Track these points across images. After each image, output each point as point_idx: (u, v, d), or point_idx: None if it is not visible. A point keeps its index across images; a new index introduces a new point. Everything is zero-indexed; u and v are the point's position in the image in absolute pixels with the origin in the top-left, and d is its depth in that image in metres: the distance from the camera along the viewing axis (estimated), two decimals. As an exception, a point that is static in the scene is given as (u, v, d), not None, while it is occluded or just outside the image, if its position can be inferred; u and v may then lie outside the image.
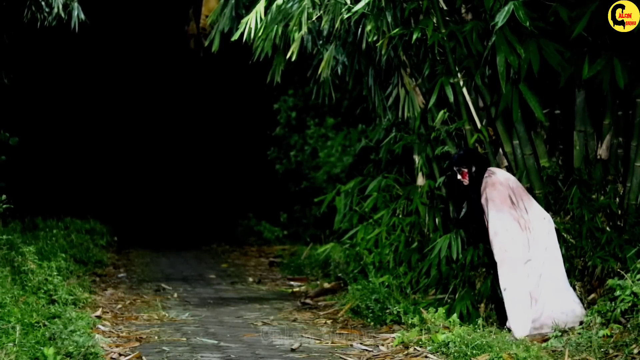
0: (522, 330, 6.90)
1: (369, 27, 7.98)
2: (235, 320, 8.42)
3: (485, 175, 7.23)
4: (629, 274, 6.86)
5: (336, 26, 8.13)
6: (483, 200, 7.16)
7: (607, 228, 7.66)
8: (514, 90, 7.55)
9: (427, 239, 8.81)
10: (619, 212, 7.70)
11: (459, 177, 7.33)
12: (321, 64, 8.75)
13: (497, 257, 7.06)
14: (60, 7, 9.56)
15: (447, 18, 8.09)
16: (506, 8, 7.06)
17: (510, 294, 6.99)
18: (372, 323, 7.98)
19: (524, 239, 7.05)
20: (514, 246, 7.02)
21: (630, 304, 6.61)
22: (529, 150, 8.00)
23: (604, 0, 7.03)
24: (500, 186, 7.16)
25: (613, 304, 6.73)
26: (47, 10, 9.63)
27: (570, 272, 7.56)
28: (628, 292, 6.66)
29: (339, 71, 9.27)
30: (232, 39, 8.73)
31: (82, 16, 9.82)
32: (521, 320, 6.95)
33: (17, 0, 9.86)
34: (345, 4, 7.86)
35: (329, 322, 8.26)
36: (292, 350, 6.82)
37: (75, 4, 9.78)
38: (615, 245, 7.43)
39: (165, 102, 19.04)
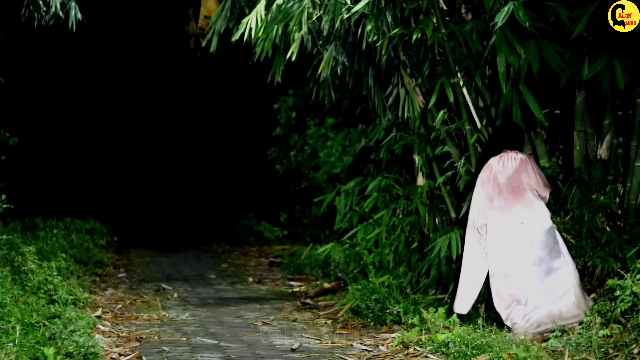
0: (458, 305, 7.27)
1: (369, 27, 7.98)
2: (235, 320, 8.42)
3: (498, 155, 7.38)
4: (629, 274, 6.87)
5: (336, 26, 8.13)
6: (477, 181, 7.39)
7: (607, 228, 7.65)
8: (514, 90, 7.55)
9: (427, 239, 8.81)
10: (619, 212, 7.70)
11: None
12: (321, 64, 8.75)
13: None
14: (58, 6, 9.53)
15: (447, 18, 8.10)
16: (506, 8, 7.05)
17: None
18: (372, 323, 7.98)
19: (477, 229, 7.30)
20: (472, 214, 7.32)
21: (630, 304, 6.61)
22: (529, 150, 8.00)
23: (604, 0, 7.03)
24: (487, 169, 7.35)
25: (613, 304, 6.73)
26: (44, 9, 9.60)
27: (570, 272, 7.57)
28: (628, 292, 6.66)
29: (339, 71, 9.27)
30: (233, 39, 8.73)
31: (80, 16, 9.78)
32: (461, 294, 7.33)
33: None
34: (345, 4, 7.86)
35: (329, 322, 8.26)
36: (292, 350, 6.82)
37: (73, 4, 9.74)
38: (615, 245, 7.43)
39: (165, 102, 19.05)
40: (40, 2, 9.55)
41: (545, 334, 6.94)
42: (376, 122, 10.42)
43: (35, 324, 6.53)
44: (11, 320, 6.38)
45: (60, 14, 9.60)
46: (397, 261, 8.88)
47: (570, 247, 7.65)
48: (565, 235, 7.72)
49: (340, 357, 6.60)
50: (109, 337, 7.16)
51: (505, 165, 7.32)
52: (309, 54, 9.49)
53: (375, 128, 10.57)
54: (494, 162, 7.36)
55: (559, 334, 6.74)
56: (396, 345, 6.88)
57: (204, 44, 9.71)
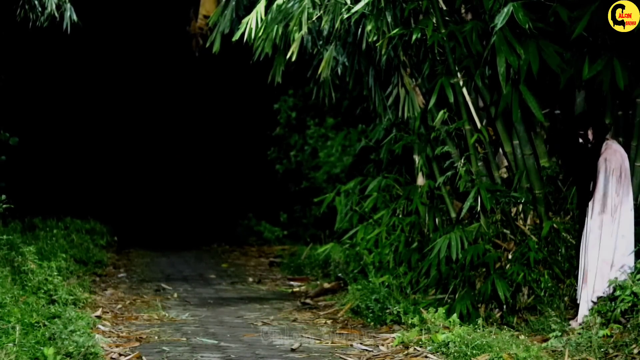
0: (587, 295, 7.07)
1: (369, 27, 7.98)
2: (235, 320, 8.42)
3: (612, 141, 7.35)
4: (629, 274, 6.87)
5: (336, 26, 8.13)
6: (600, 161, 7.23)
7: (608, 228, 7.65)
8: (514, 90, 7.55)
9: (427, 239, 8.81)
10: (619, 212, 7.69)
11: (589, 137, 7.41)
12: (321, 64, 8.74)
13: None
14: (54, 7, 9.48)
15: (447, 18, 8.09)
16: (506, 9, 7.05)
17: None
18: (372, 323, 7.98)
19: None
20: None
21: (630, 304, 6.62)
22: (529, 150, 8.00)
23: (604, 1, 7.03)
24: (617, 153, 7.25)
25: (613, 304, 6.73)
26: (39, 9, 9.55)
27: (571, 272, 7.57)
28: (628, 292, 6.67)
29: (339, 71, 9.26)
30: (233, 39, 8.73)
31: (75, 17, 9.72)
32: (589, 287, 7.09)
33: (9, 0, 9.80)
34: (345, 4, 7.86)
35: (329, 322, 8.26)
36: (292, 350, 6.83)
37: (68, 5, 9.68)
38: (616, 245, 7.41)
39: (166, 102, 19.04)
40: (36, 2, 9.51)
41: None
42: (376, 122, 10.42)
43: (35, 324, 6.53)
44: (11, 320, 6.38)
45: (56, 14, 9.56)
46: (397, 261, 8.88)
47: (570, 247, 7.66)
48: (565, 235, 7.72)
49: (340, 357, 6.60)
50: (109, 337, 7.16)
51: (624, 152, 7.38)
52: (309, 54, 9.48)
53: (375, 128, 10.57)
54: (618, 148, 7.32)
55: (559, 334, 6.74)
56: (396, 345, 6.88)
57: (207, 44, 9.69)
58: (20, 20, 9.68)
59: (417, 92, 8.88)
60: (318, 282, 10.64)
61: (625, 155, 7.33)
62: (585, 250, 7.16)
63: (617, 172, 7.19)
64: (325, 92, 9.52)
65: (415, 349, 6.71)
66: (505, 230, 8.10)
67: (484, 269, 7.93)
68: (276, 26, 8.28)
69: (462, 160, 8.18)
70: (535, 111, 7.57)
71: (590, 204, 7.18)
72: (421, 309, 7.57)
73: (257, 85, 13.69)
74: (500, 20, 7.07)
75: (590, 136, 7.37)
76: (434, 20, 7.95)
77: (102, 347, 6.56)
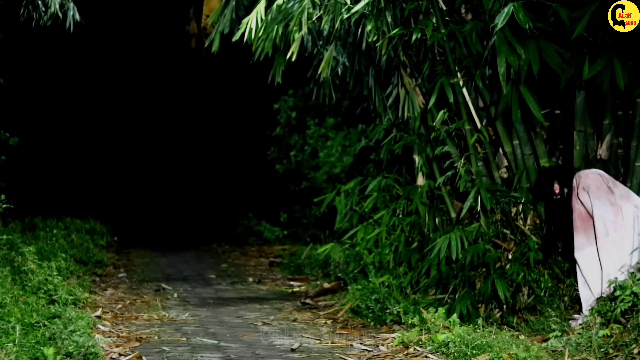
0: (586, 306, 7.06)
1: (369, 27, 7.98)
2: (235, 320, 8.42)
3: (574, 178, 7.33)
4: (629, 274, 6.87)
5: (336, 26, 8.13)
6: (575, 197, 7.20)
7: (608, 228, 7.64)
8: (514, 90, 7.56)
9: (427, 239, 8.81)
10: (619, 212, 7.69)
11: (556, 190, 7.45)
12: (321, 64, 8.74)
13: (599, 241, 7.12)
14: (57, 6, 9.49)
15: (447, 18, 8.10)
16: (506, 9, 7.05)
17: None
18: (372, 323, 7.98)
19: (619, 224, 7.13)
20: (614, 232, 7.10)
21: (630, 304, 6.62)
22: (529, 150, 8.00)
23: (604, 1, 7.03)
24: (592, 175, 7.25)
25: (613, 304, 6.73)
26: (43, 9, 9.56)
27: (571, 272, 7.56)
28: (628, 292, 6.67)
29: (339, 71, 9.26)
30: (233, 40, 8.73)
31: (77, 16, 9.73)
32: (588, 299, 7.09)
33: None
34: (345, 4, 7.86)
35: (329, 322, 8.26)
36: (292, 350, 6.83)
37: (71, 4, 9.70)
38: (615, 245, 7.42)
39: (166, 102, 19.04)
40: (39, 2, 9.52)
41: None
42: (376, 122, 10.42)
43: (35, 324, 6.53)
44: (11, 320, 6.39)
45: (59, 13, 9.57)
46: (397, 261, 8.88)
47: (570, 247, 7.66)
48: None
49: (340, 357, 6.60)
50: (109, 337, 7.16)
51: (592, 170, 7.40)
52: (309, 54, 9.48)
53: (375, 128, 10.57)
54: (584, 172, 7.35)
55: (559, 333, 6.74)
56: (396, 345, 6.88)
57: (206, 44, 9.69)
58: (24, 20, 9.69)
59: (417, 92, 8.88)
60: (318, 282, 10.64)
61: (596, 170, 7.35)
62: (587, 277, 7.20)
63: (603, 187, 7.18)
64: (325, 92, 9.51)
65: (415, 349, 6.71)
66: (505, 230, 8.11)
67: (484, 269, 7.93)
68: (276, 26, 8.28)
69: (462, 160, 8.18)
70: (535, 111, 7.57)
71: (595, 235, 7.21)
72: (421, 309, 7.57)
73: (257, 85, 13.70)
74: (500, 20, 7.07)
75: (556, 190, 7.39)
76: (434, 20, 7.95)
77: (102, 347, 6.56)
